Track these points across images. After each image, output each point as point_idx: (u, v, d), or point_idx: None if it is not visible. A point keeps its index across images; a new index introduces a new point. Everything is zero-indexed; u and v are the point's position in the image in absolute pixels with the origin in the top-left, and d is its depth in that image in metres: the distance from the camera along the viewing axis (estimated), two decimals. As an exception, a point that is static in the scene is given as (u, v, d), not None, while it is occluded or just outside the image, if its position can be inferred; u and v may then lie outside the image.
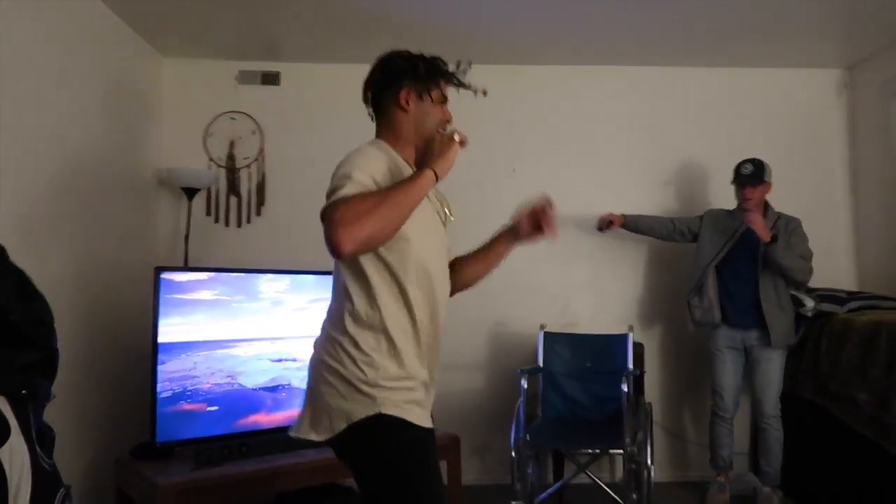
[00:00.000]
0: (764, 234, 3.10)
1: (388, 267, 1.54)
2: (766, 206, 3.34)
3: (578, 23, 3.38)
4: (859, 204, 3.97)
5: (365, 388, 1.49)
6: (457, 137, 1.57)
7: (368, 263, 1.53)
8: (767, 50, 3.75)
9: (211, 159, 3.81)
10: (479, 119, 3.81)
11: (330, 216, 1.40)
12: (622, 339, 3.26)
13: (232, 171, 3.82)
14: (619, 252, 3.88)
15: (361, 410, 1.48)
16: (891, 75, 3.69)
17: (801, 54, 3.82)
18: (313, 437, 1.54)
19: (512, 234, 1.85)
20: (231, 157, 3.83)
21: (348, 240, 1.37)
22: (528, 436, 2.92)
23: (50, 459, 2.13)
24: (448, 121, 1.72)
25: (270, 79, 3.90)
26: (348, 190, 1.46)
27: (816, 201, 3.91)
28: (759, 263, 3.23)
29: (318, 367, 1.56)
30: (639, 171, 3.93)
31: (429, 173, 1.52)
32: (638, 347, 3.41)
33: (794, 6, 3.19)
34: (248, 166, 3.83)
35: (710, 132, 3.94)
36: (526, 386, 3.01)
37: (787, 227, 3.28)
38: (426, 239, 1.61)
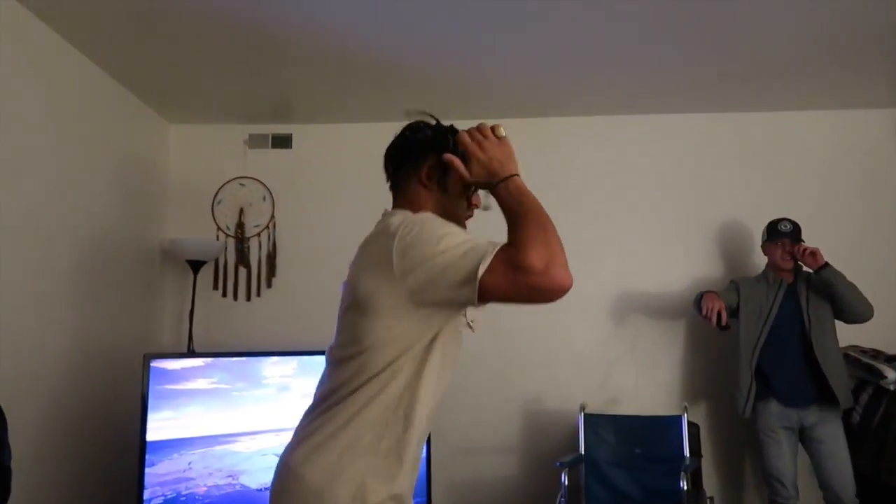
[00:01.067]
0: (815, 262, 2.91)
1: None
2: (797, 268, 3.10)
3: (604, 69, 3.09)
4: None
5: None
6: (503, 132, 1.32)
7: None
8: (816, 91, 3.40)
9: (219, 228, 3.58)
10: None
11: (524, 261, 1.11)
12: (675, 421, 2.86)
13: (241, 241, 3.57)
14: (661, 320, 3.50)
15: None
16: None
17: (852, 94, 3.46)
18: None
19: None
20: (240, 226, 3.59)
21: (566, 273, 1.12)
22: (571, 542, 2.51)
23: None
24: (477, 205, 1.43)
25: (282, 142, 3.70)
26: (475, 241, 1.17)
27: (876, 256, 3.49)
28: (807, 322, 2.95)
29: None
30: (675, 227, 3.56)
31: (519, 180, 1.27)
32: (693, 428, 3.00)
33: (844, 43, 2.88)
34: (258, 235, 3.59)
35: (753, 183, 3.56)
36: (567, 482, 2.61)
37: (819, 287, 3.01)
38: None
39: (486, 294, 1.14)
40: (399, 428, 1.22)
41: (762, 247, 3.14)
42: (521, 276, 1.11)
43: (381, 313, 1.21)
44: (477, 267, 1.13)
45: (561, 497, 2.60)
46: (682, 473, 2.47)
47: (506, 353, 3.39)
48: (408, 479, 1.25)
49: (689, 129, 3.63)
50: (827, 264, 2.94)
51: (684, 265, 3.52)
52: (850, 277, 3.01)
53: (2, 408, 1.92)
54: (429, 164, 1.36)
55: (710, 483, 3.13)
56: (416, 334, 1.22)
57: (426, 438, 1.32)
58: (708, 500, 2.82)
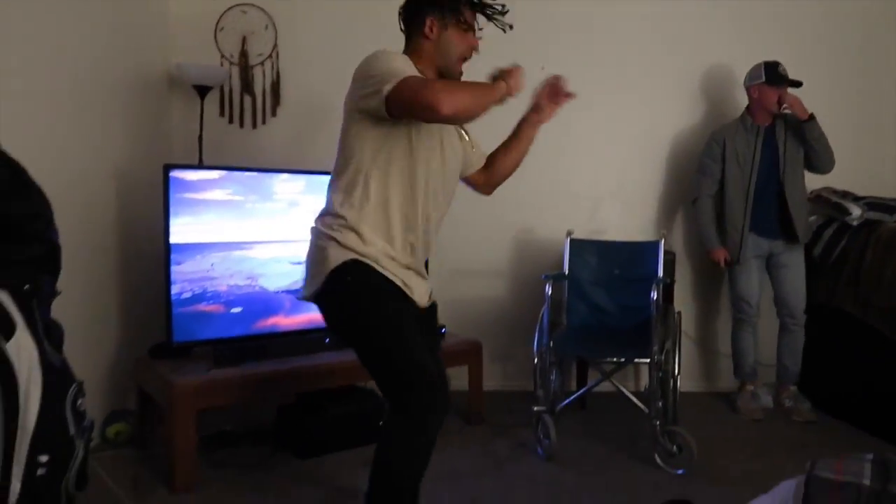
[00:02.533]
0: (802, 112, 3.10)
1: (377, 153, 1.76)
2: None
3: None
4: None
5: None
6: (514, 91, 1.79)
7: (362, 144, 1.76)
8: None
9: (223, 56, 3.62)
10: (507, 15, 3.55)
11: (415, 87, 1.60)
12: (653, 246, 3.10)
13: (245, 69, 3.63)
14: (650, 157, 3.67)
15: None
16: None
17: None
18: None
19: (535, 115, 2.02)
20: (244, 54, 3.63)
21: (448, 105, 1.56)
22: (551, 343, 2.83)
23: (59, 355, 2.10)
24: (475, 48, 1.85)
25: (283, -33, 3.64)
26: (409, 74, 1.65)
27: (861, 101, 3.64)
28: (782, 165, 3.18)
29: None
30: (665, 70, 3.65)
31: (502, 85, 1.74)
32: (669, 255, 3.27)
33: None
34: (262, 63, 3.63)
35: (743, 27, 3.62)
36: (550, 292, 2.89)
37: (798, 129, 3.20)
38: (421, 152, 1.78)
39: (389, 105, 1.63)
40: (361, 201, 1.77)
41: (753, 87, 3.24)
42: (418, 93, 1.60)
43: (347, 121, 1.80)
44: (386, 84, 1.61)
45: (545, 308, 2.90)
46: (654, 286, 2.75)
47: (502, 187, 3.56)
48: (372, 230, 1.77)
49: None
50: (812, 116, 3.09)
51: (671, 108, 3.67)
52: (833, 124, 3.20)
53: (42, 190, 2.11)
54: (430, 19, 1.80)
55: (681, 304, 3.46)
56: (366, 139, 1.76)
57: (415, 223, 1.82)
58: (676, 314, 3.15)
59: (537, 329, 2.91)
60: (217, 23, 3.61)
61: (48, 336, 2.03)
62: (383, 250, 1.76)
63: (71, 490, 2.05)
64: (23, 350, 1.93)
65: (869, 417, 3.02)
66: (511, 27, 1.88)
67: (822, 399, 3.30)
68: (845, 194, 3.40)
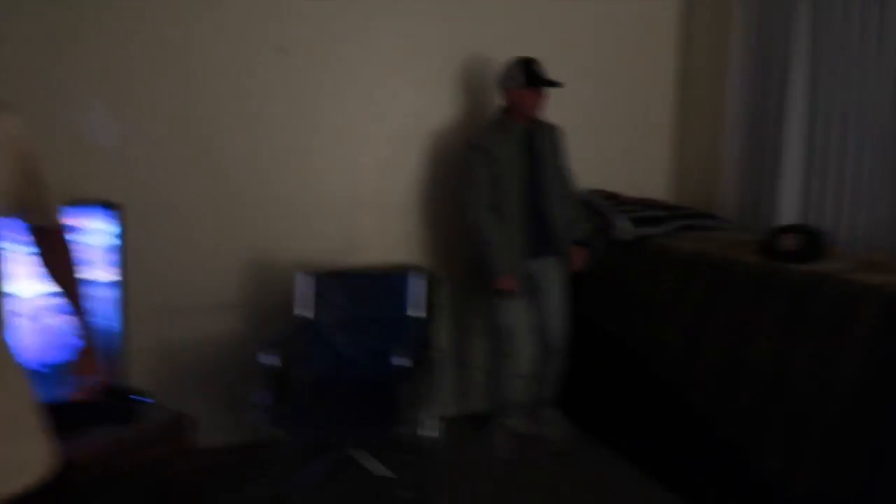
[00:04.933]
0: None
1: None
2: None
3: None
4: (684, 110, 3.46)
5: None
6: None
7: None
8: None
9: None
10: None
11: None
12: (402, 278, 2.56)
13: None
14: (402, 160, 3.09)
15: None
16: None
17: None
18: None
19: None
20: None
21: None
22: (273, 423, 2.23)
23: None
24: None
25: None
26: None
27: (632, 99, 3.37)
28: (547, 180, 2.81)
29: None
30: (434, 60, 3.07)
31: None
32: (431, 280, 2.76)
33: None
34: None
35: (513, 23, 3.12)
36: (272, 363, 2.26)
37: (554, 136, 2.87)
38: None
39: None
40: None
41: (510, 89, 2.76)
42: None
43: None
44: None
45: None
46: (402, 350, 2.23)
47: (231, 199, 2.84)
48: None
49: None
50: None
51: (440, 101, 3.10)
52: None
53: None
54: None
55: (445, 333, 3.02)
56: None
57: None
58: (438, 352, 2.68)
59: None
60: None
61: None
62: None
63: None
64: None
65: (632, 445, 2.86)
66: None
67: (584, 419, 3.12)
68: (613, 199, 3.12)
